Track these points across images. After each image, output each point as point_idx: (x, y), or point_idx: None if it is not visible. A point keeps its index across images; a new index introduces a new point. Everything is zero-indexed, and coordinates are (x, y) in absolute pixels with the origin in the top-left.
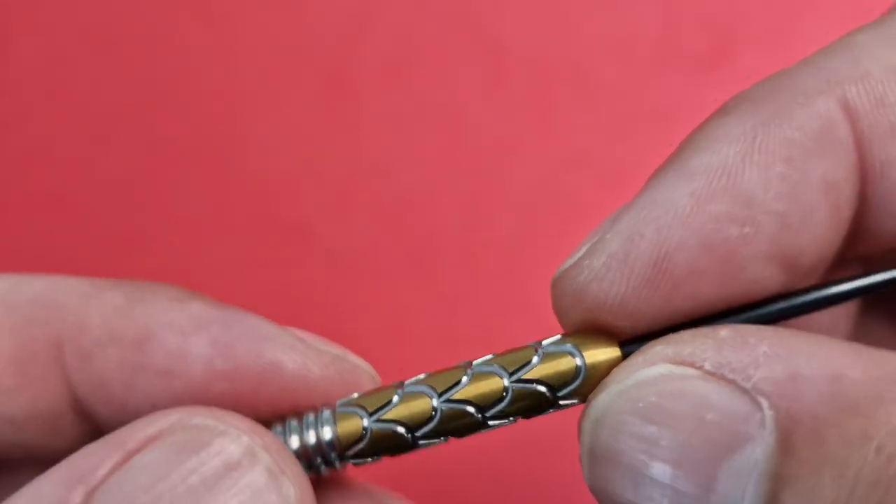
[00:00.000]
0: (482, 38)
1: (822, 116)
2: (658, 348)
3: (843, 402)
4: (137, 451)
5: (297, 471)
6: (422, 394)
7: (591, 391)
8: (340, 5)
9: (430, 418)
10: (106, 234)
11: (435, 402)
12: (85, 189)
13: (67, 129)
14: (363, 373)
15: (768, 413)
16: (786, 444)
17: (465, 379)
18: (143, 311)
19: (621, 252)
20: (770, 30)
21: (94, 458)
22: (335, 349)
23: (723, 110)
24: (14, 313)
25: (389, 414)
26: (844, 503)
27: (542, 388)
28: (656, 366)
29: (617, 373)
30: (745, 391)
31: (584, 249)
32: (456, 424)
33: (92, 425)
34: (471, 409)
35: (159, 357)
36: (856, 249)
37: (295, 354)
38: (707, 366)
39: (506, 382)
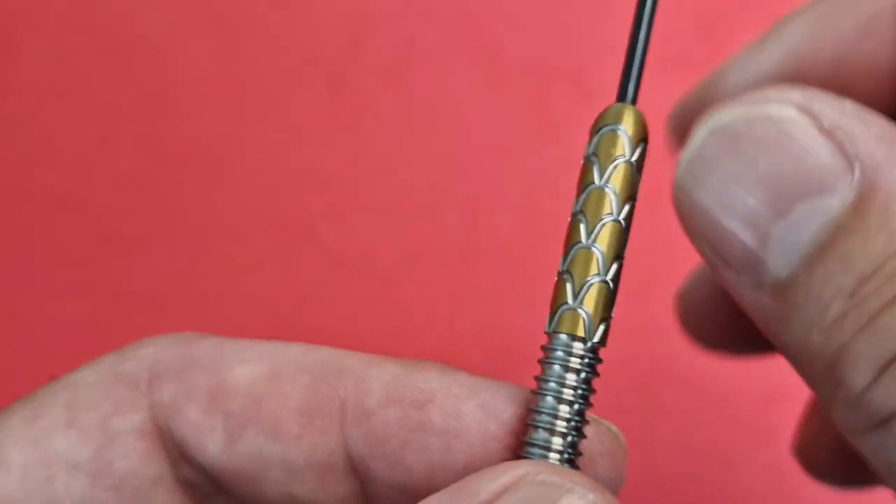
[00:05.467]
0: (482, 39)
1: None
2: (794, 94)
3: None
4: (490, 502)
5: None
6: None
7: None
8: (342, 9)
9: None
10: (109, 236)
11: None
12: (88, 191)
13: (71, 131)
14: (611, 434)
15: (857, 178)
16: (859, 205)
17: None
18: (420, 377)
19: None
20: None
21: None
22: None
23: None
24: (305, 372)
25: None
26: (886, 256)
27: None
28: (785, 107)
29: (751, 94)
30: (847, 155)
31: None
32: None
33: (356, 484)
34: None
35: (437, 417)
36: None
37: None
38: (825, 123)
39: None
